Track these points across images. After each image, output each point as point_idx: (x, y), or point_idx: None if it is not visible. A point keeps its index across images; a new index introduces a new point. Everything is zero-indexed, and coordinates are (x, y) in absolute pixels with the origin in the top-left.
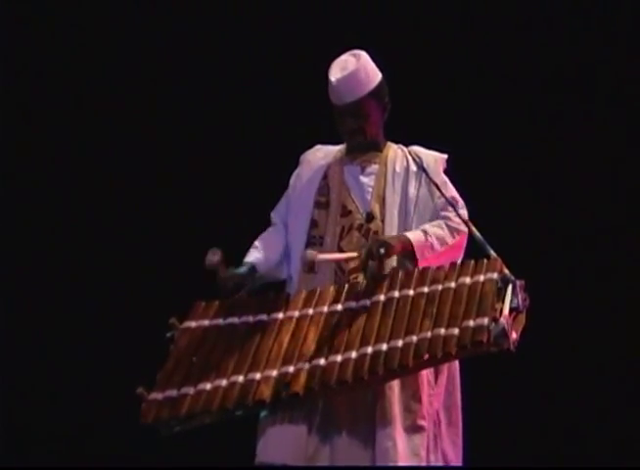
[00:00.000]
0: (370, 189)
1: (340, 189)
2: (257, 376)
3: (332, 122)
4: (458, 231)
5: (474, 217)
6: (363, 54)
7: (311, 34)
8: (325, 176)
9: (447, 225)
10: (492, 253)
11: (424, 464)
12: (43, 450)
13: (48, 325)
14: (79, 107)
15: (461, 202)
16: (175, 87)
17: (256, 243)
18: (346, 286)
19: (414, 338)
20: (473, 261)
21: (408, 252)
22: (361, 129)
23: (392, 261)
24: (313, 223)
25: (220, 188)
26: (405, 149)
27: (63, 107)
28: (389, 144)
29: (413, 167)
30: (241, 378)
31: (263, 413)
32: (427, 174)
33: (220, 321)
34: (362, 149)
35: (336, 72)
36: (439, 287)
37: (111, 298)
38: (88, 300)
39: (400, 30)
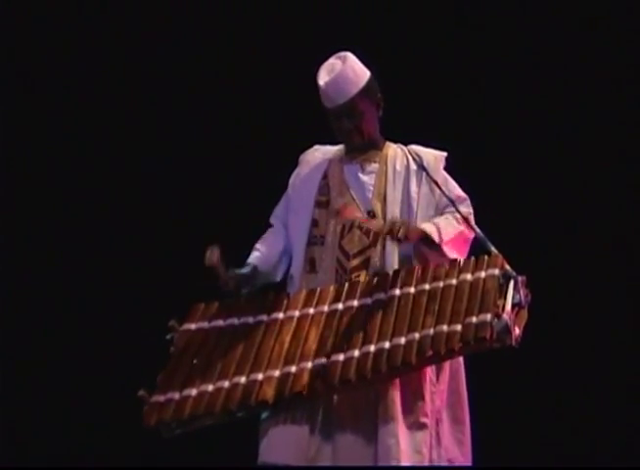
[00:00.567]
0: (371, 187)
1: (340, 188)
2: (260, 376)
3: (329, 124)
4: (464, 221)
5: (474, 214)
6: (349, 54)
7: (310, 34)
8: (325, 176)
9: (453, 216)
10: (493, 249)
11: (426, 462)
12: (43, 451)
13: (49, 327)
14: (79, 106)
15: (466, 198)
16: (175, 87)
17: (257, 245)
18: (347, 285)
19: (416, 335)
20: (473, 258)
21: (425, 238)
22: (358, 128)
23: (395, 255)
24: (314, 223)
25: (220, 188)
26: (405, 148)
27: (63, 106)
28: (388, 143)
29: (413, 166)
30: (243, 379)
31: (265, 414)
32: (427, 173)
33: (220, 322)
34: (361, 148)
35: (324, 76)
36: (441, 284)
37: (111, 300)
38: (88, 302)
39: (398, 29)
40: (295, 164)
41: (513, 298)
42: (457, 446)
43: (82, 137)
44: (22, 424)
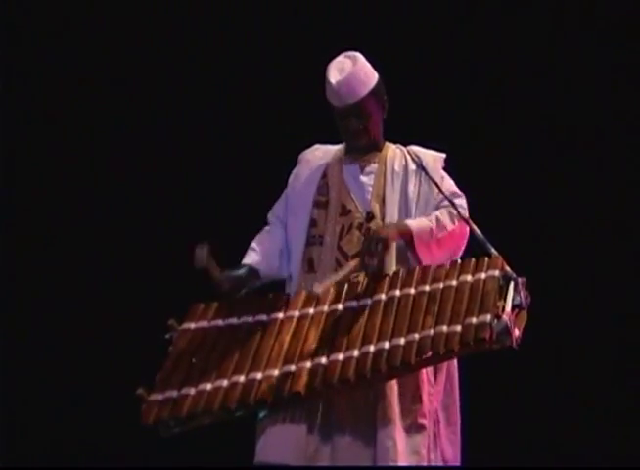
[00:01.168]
0: (370, 188)
1: (339, 188)
2: (259, 376)
3: (331, 122)
4: (458, 218)
5: (474, 215)
6: (358, 55)
7: (311, 33)
8: (324, 175)
9: (448, 212)
10: (493, 251)
11: (424, 463)
12: (43, 450)
13: (48, 326)
14: (79, 107)
15: (462, 195)
16: (175, 87)
17: (253, 244)
18: (346, 286)
19: (416, 335)
20: (474, 260)
21: (407, 237)
22: (365, 129)
23: (392, 256)
24: (312, 222)
25: (219, 188)
26: (404, 148)
27: (62, 107)
28: (388, 144)
29: (412, 166)
30: (242, 378)
31: (263, 413)
32: (426, 173)
33: (220, 322)
34: (363, 149)
35: (335, 75)
36: (441, 285)
37: (110, 299)
38: (88, 301)
39: (398, 29)
40: (294, 162)
41: (513, 299)
42: (451, 447)
43: (82, 137)
44: (22, 424)
